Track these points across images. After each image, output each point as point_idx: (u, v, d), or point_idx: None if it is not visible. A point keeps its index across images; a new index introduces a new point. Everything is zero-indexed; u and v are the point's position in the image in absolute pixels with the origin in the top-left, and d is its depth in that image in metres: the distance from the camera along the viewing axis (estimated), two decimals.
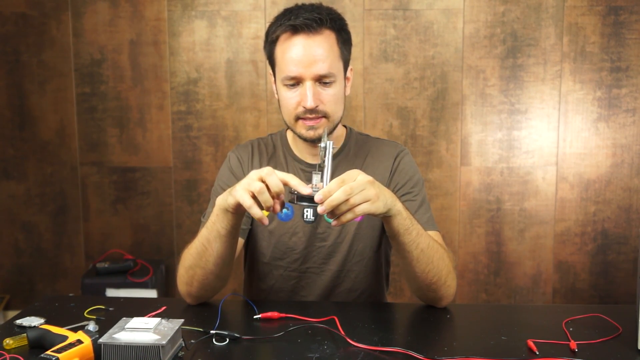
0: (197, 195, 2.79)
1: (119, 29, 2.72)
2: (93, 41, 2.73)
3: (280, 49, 1.29)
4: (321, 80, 1.26)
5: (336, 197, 1.02)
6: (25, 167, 2.81)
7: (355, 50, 2.72)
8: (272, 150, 1.44)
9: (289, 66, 1.26)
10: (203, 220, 1.34)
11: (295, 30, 1.25)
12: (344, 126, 1.46)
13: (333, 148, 1.10)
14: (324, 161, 1.09)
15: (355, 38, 2.71)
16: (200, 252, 1.22)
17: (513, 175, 2.76)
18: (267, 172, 1.06)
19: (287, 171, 1.39)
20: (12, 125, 2.79)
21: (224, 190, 1.21)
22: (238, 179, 1.30)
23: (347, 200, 1.02)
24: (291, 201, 1.07)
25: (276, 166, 1.40)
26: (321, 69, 1.25)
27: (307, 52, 1.24)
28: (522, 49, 2.68)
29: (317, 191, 1.04)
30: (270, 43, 1.31)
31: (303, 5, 1.30)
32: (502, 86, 2.71)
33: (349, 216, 1.04)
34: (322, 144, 1.09)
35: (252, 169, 1.27)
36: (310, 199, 1.04)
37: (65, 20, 2.72)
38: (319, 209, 1.03)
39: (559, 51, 2.68)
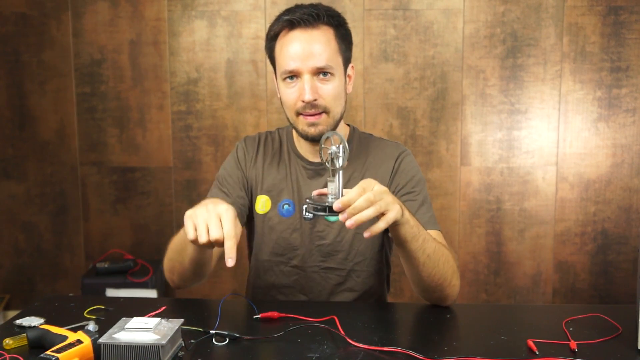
0: (197, 195, 2.79)
1: (119, 29, 2.72)
2: (93, 41, 2.73)
3: (279, 45, 1.32)
4: (319, 74, 1.28)
5: (358, 205, 1.01)
6: (25, 167, 2.81)
7: (355, 50, 2.69)
8: (278, 146, 1.46)
9: (287, 60, 1.28)
10: None
11: (292, 25, 1.28)
12: (347, 125, 1.47)
13: (343, 152, 1.04)
14: (336, 167, 1.05)
15: (355, 38, 2.69)
16: (179, 250, 1.26)
17: (513, 175, 2.76)
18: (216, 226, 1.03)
19: (290, 167, 1.42)
20: (12, 125, 2.79)
21: (228, 177, 1.40)
22: (242, 170, 1.43)
23: (368, 207, 1.02)
24: (308, 211, 1.07)
25: (279, 162, 1.43)
26: (318, 61, 1.27)
27: (304, 45, 1.27)
28: (522, 49, 2.68)
29: (334, 199, 1.03)
30: (270, 40, 1.34)
31: (302, 4, 1.33)
32: (502, 86, 2.71)
33: (381, 225, 1.05)
34: (334, 149, 1.04)
35: (256, 164, 1.42)
36: (328, 208, 1.03)
37: (65, 20, 2.72)
38: (340, 217, 1.01)
39: (559, 51, 2.68)
